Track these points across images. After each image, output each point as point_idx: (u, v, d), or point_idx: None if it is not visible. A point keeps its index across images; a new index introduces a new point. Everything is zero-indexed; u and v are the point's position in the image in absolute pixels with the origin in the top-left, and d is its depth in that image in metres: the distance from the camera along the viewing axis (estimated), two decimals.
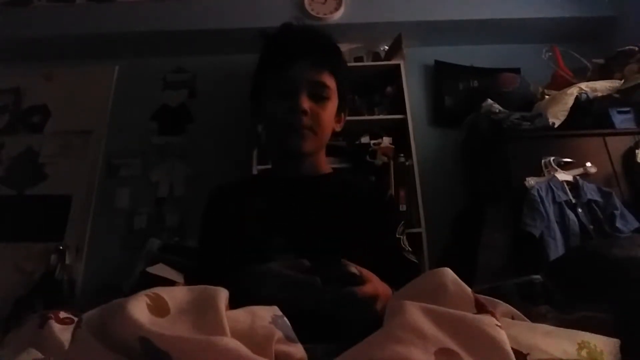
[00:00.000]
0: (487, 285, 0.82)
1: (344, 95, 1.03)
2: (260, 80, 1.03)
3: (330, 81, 0.97)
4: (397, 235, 0.98)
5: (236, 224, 0.96)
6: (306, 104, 0.93)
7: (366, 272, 0.72)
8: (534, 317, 0.56)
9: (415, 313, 0.44)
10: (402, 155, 2.50)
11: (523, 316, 0.54)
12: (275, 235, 0.90)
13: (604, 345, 0.48)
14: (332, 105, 1.00)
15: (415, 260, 0.97)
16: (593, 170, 2.05)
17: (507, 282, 0.83)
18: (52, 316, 0.60)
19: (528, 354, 0.44)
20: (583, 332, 0.48)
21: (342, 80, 1.01)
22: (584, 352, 0.46)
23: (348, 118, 1.13)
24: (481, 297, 0.48)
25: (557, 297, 0.73)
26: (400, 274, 0.77)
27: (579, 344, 0.47)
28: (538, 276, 0.83)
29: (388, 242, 0.97)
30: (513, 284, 0.80)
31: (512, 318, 0.53)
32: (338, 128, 1.06)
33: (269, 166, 1.22)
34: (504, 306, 0.54)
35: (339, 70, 1.00)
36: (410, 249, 0.98)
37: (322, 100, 0.97)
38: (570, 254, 1.50)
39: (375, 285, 0.72)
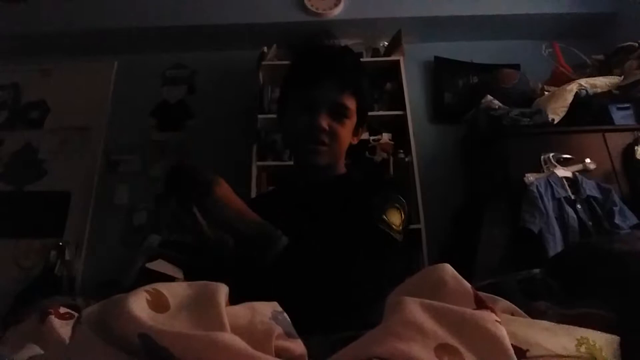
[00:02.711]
0: (487, 281, 0.83)
1: (363, 112, 1.09)
2: (286, 92, 1.10)
3: (350, 102, 1.02)
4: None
5: None
6: (325, 122, 0.99)
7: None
8: (534, 314, 0.56)
9: (415, 309, 0.44)
10: (401, 151, 2.50)
11: (523, 313, 0.54)
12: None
13: (603, 341, 0.48)
14: (351, 123, 1.05)
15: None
16: (592, 166, 2.05)
17: (507, 277, 0.83)
18: (53, 312, 0.60)
19: (527, 350, 0.44)
20: (582, 329, 0.48)
21: (363, 99, 1.06)
22: (582, 348, 0.46)
23: None
24: (481, 293, 0.48)
25: (557, 293, 0.73)
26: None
27: (577, 340, 0.47)
28: (537, 270, 0.83)
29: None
30: (513, 279, 0.80)
31: (512, 314, 0.53)
32: (355, 141, 1.12)
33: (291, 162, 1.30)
34: (503, 302, 0.54)
35: (360, 90, 1.05)
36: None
37: (341, 119, 1.02)
38: (571, 249, 1.50)
39: None
